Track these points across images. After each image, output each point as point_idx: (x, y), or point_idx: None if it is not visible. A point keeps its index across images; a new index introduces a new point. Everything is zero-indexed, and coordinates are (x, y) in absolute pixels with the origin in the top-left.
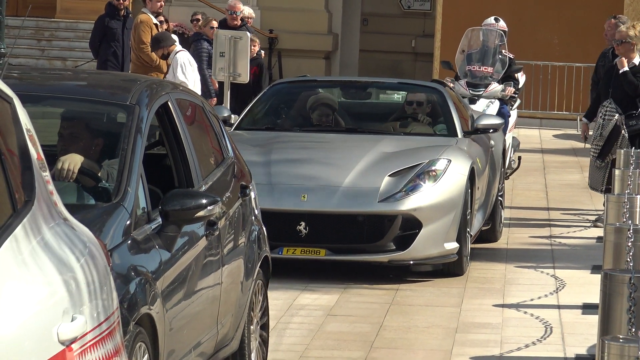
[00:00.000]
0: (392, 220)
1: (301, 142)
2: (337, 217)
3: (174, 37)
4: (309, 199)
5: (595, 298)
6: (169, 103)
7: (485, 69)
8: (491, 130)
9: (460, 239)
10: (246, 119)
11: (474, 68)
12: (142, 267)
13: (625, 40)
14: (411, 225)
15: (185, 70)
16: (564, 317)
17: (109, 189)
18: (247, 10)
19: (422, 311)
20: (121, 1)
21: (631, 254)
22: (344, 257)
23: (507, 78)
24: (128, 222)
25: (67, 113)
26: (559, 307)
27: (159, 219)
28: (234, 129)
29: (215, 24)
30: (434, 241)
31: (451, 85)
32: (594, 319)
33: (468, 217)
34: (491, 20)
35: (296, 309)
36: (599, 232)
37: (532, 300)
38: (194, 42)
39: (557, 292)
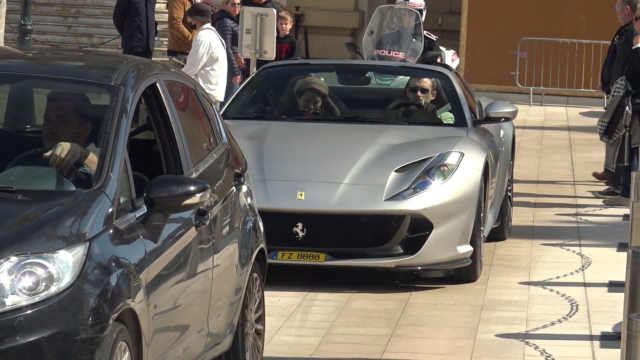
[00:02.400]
0: (400, 221)
1: (296, 133)
2: (338, 217)
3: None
4: (306, 197)
5: (621, 276)
6: (158, 84)
7: (395, 53)
8: (503, 120)
9: (474, 241)
10: (233, 106)
11: (382, 52)
12: (124, 259)
13: None
14: (421, 227)
15: (202, 47)
16: (590, 295)
17: (90, 174)
18: None
19: (448, 288)
20: None
21: None
22: (346, 262)
23: (430, 64)
24: (110, 210)
25: (50, 94)
26: (585, 284)
27: (144, 207)
28: None
29: (237, 0)
30: (446, 244)
31: None
32: (620, 297)
33: (482, 216)
34: None
35: (322, 285)
36: (625, 209)
37: (558, 277)
38: (218, 20)
39: (583, 270)
